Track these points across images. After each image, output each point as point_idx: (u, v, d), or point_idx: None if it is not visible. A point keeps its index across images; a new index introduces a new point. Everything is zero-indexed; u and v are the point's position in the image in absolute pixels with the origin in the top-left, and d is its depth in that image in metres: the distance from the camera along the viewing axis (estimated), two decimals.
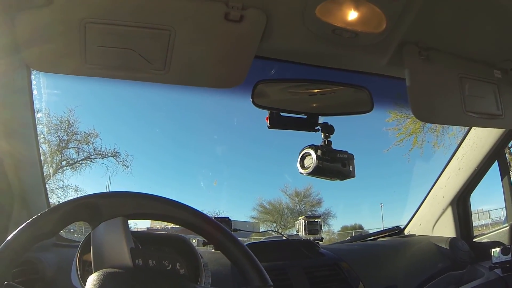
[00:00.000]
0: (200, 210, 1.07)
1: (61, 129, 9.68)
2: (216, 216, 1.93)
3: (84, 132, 10.09)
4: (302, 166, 1.57)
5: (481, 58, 1.66)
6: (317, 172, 1.53)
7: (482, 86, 1.66)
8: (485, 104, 1.66)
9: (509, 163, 2.32)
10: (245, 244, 1.85)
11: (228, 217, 1.92)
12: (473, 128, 2.20)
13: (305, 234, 2.07)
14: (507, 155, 2.24)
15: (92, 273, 0.91)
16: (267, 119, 1.58)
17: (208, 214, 1.91)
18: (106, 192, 1.03)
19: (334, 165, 1.54)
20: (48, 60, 1.35)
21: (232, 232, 1.09)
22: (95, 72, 1.41)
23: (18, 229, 0.92)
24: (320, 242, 2.06)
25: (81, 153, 10.22)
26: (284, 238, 2.04)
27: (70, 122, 9.75)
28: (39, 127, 1.72)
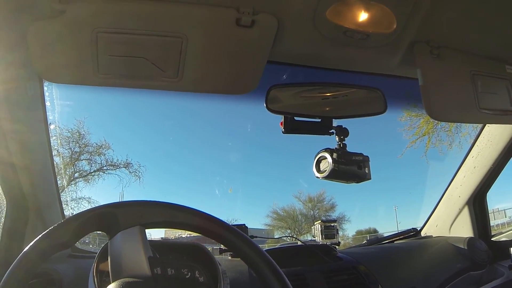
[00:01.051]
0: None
1: (73, 141, 9.73)
2: (231, 224, 1.92)
3: (96, 144, 10.13)
4: (318, 170, 1.56)
5: (492, 54, 1.65)
6: (333, 175, 1.52)
7: (495, 82, 1.64)
8: (499, 100, 1.64)
9: None
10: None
11: (244, 224, 1.91)
12: (487, 125, 2.18)
13: (322, 238, 2.06)
14: None
15: (110, 283, 0.91)
16: (281, 124, 1.58)
17: (244, 223, 1.93)
18: (123, 201, 1.02)
19: (350, 167, 1.54)
20: (60, 71, 1.36)
21: (250, 239, 1.08)
22: (108, 82, 1.41)
23: (36, 239, 0.92)
24: (337, 247, 2.05)
25: (93, 165, 10.24)
26: (300, 243, 2.03)
27: (81, 133, 9.80)
28: (51, 139, 1.73)
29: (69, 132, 9.49)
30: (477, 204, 2.31)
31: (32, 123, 1.62)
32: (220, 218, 1.05)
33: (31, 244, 0.91)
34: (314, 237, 2.13)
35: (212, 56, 1.36)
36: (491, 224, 2.43)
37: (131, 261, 0.95)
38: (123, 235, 0.96)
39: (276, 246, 2.11)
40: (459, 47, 1.58)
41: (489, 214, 2.40)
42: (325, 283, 1.68)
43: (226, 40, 1.33)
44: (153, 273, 0.96)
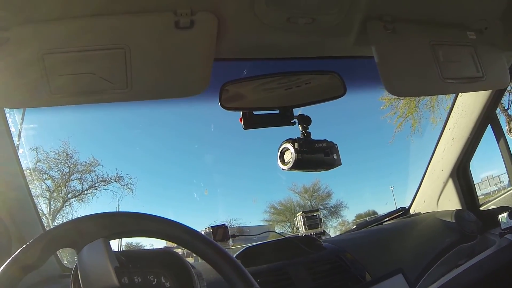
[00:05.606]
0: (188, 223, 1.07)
1: (61, 162, 9.79)
2: (211, 225, 1.92)
3: (85, 162, 10.18)
4: (283, 162, 1.54)
5: (452, 21, 1.61)
6: (298, 165, 1.50)
7: (457, 50, 1.60)
8: (463, 68, 1.59)
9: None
10: (243, 248, 1.84)
11: (224, 224, 1.91)
12: (459, 95, 2.14)
13: (305, 229, 2.05)
14: (504, 116, 2.17)
15: None
16: (240, 120, 1.57)
17: (225, 223, 1.92)
18: (85, 216, 1.04)
19: (316, 155, 1.51)
20: (15, 96, 1.35)
21: (210, 239, 1.08)
22: (62, 101, 1.40)
23: (6, 263, 0.93)
24: (322, 236, 2.03)
25: (85, 183, 10.27)
26: (282, 237, 2.02)
27: (68, 153, 9.84)
28: (38, 164, 1.76)
29: (55, 154, 9.56)
30: (461, 175, 2.28)
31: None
32: (218, 220, 1.06)
33: (1, 268, 0.92)
34: (298, 229, 2.11)
35: (157, 62, 1.34)
36: (487, 192, 2.41)
37: (99, 273, 0.97)
38: (88, 248, 0.98)
39: (258, 243, 2.10)
40: (415, 18, 1.54)
41: (484, 182, 2.37)
42: (308, 275, 1.66)
43: (168, 44, 1.32)
44: (121, 282, 0.99)
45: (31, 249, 0.96)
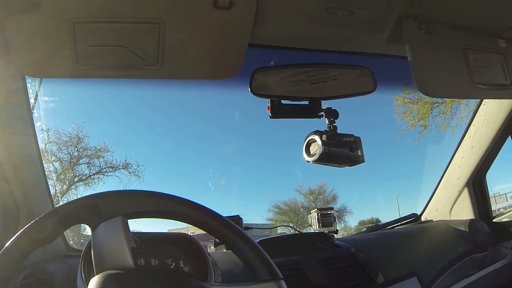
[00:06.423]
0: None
1: (71, 145, 9.76)
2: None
3: (95, 147, 10.15)
4: (308, 154, 1.52)
5: (483, 27, 1.61)
6: (324, 158, 1.47)
7: (488, 56, 1.61)
8: (492, 75, 1.60)
9: None
10: (257, 240, 1.81)
11: (238, 215, 1.87)
12: (482, 103, 2.13)
13: (319, 227, 2.02)
14: None
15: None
16: (268, 108, 1.54)
17: (238, 214, 1.88)
18: (104, 192, 0.99)
19: (341, 150, 1.49)
20: (40, 64, 1.33)
21: (238, 226, 1.04)
22: (89, 73, 1.38)
23: (17, 234, 0.89)
24: (335, 235, 2.01)
25: (92, 168, 10.22)
26: (297, 232, 2.00)
27: (80, 137, 9.81)
28: (49, 145, 1.71)
29: (67, 137, 9.54)
30: (476, 185, 2.26)
31: (17, 119, 1.60)
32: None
33: (12, 239, 0.89)
34: (311, 226, 2.09)
35: (191, 41, 1.32)
36: (493, 209, 2.38)
37: (114, 253, 0.92)
38: (105, 226, 0.93)
39: (274, 236, 2.07)
40: (449, 22, 1.54)
41: (491, 199, 2.35)
42: (322, 272, 1.64)
43: (205, 23, 1.29)
44: (136, 264, 0.93)
45: (44, 222, 0.92)
